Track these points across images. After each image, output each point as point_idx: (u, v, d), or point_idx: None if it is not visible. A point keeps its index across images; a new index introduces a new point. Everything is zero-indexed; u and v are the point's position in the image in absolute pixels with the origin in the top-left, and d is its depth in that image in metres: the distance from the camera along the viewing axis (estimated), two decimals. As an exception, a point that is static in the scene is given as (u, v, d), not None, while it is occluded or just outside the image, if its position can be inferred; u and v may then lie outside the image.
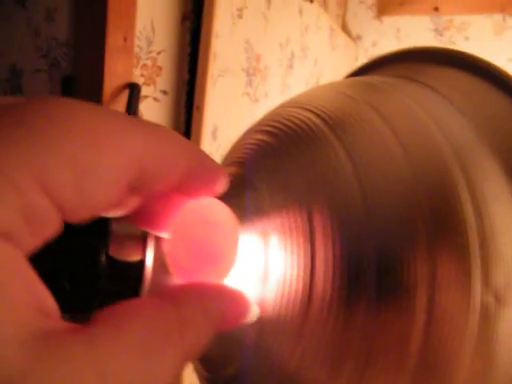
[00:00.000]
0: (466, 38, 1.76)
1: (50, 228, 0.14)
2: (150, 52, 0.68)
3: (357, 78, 0.35)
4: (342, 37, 1.59)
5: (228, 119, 0.84)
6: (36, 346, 0.13)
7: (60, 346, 0.13)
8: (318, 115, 0.26)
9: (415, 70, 0.35)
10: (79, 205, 0.14)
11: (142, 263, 0.22)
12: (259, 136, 0.28)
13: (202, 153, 0.20)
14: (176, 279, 0.22)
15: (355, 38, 1.83)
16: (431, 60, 0.36)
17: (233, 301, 0.20)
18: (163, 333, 0.15)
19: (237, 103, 0.87)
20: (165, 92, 0.74)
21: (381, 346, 0.21)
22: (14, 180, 0.13)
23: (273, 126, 0.27)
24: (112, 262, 0.22)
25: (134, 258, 0.22)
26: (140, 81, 0.68)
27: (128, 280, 0.23)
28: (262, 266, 0.23)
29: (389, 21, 1.83)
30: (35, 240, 0.14)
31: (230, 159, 0.29)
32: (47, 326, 0.13)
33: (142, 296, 0.22)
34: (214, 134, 0.81)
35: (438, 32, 1.78)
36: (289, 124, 0.27)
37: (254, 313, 0.21)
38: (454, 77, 0.33)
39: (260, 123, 0.30)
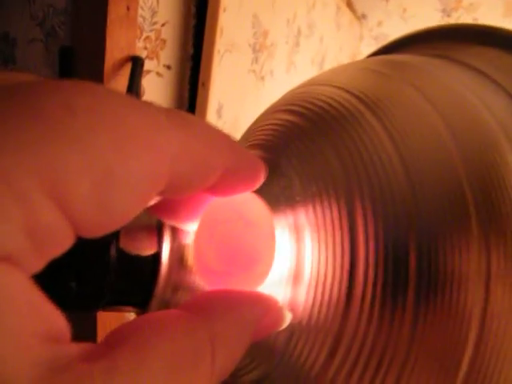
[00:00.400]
0: (475, 20, 1.72)
1: (60, 246, 0.12)
2: (154, 23, 0.65)
3: (386, 57, 0.32)
4: (347, 15, 1.54)
5: (233, 97, 0.80)
6: (50, 382, 0.10)
7: (77, 380, 0.11)
8: (351, 93, 0.23)
9: (451, 49, 0.32)
10: (97, 221, 0.12)
11: (156, 257, 0.20)
12: (285, 116, 0.25)
13: (242, 149, 0.17)
14: (203, 283, 0.19)
15: (360, 17, 1.78)
16: (465, 38, 0.33)
17: (267, 310, 0.17)
18: (194, 354, 0.13)
19: (242, 80, 0.84)
20: (168, 67, 0.70)
21: (428, 352, 0.19)
22: (20, 189, 0.10)
23: (300, 106, 0.24)
24: (123, 255, 0.19)
25: (148, 251, 0.20)
26: (143, 54, 0.64)
27: (140, 276, 0.20)
28: (294, 264, 0.20)
29: (395, 0, 1.78)
30: (41, 260, 0.11)
31: (249, 141, 0.26)
32: (59, 354, 0.11)
33: (155, 294, 0.20)
34: (219, 112, 0.78)
35: (446, 13, 1.73)
36: (319, 103, 0.24)
37: (287, 320, 0.18)
38: (493, 55, 0.30)
39: (283, 103, 0.27)
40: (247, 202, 0.19)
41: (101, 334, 0.60)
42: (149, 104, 0.14)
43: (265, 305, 0.17)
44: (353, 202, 0.19)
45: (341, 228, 0.19)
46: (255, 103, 0.87)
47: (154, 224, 0.20)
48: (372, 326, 0.18)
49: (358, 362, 0.19)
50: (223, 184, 0.16)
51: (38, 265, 0.11)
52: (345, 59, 1.49)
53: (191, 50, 0.72)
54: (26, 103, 0.11)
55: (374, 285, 0.18)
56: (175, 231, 0.20)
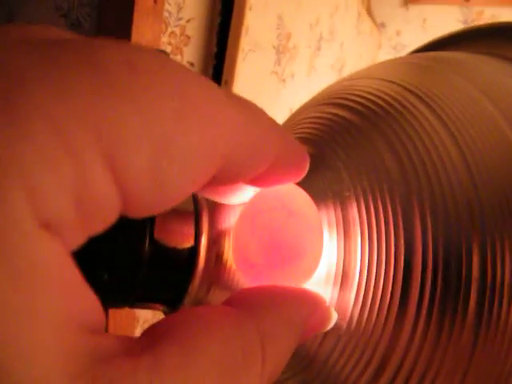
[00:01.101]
0: (495, 32, 1.69)
1: (104, 221, 0.10)
2: (180, 19, 0.64)
3: (430, 53, 0.30)
4: (367, 22, 1.53)
5: (254, 97, 0.79)
6: (91, 379, 0.09)
7: (122, 377, 0.09)
8: (401, 86, 0.22)
9: (494, 46, 0.30)
10: (149, 197, 0.10)
11: (193, 251, 0.18)
12: (330, 109, 0.23)
13: (290, 136, 0.16)
14: (242, 279, 0.18)
15: (379, 26, 1.77)
16: (509, 35, 0.31)
17: (315, 309, 0.16)
18: (244, 352, 0.12)
19: (264, 81, 0.82)
20: (192, 64, 0.69)
21: (487, 372, 0.17)
22: (73, 144, 0.09)
23: (346, 99, 0.23)
24: (157, 247, 0.18)
25: (184, 244, 0.18)
26: (167, 49, 0.63)
27: (175, 271, 0.18)
28: (341, 263, 0.18)
29: (415, 9, 1.76)
30: (83, 235, 0.10)
31: (292, 134, 0.24)
32: (100, 346, 0.10)
33: (189, 292, 0.18)
34: (240, 113, 0.76)
35: (467, 24, 1.71)
36: (367, 96, 0.22)
37: (333, 320, 0.17)
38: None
39: (327, 96, 0.25)
40: (291, 192, 0.17)
41: (111, 331, 0.58)
42: (209, 79, 0.12)
43: (312, 303, 0.16)
44: (409, 199, 0.18)
45: (395, 226, 0.18)
46: (275, 105, 0.86)
47: (190, 212, 0.19)
48: (428, 339, 0.17)
49: (409, 381, 0.17)
50: (269, 173, 0.15)
51: (79, 240, 0.10)
52: (364, 66, 1.47)
53: (215, 48, 0.71)
54: (82, 53, 0.09)
55: (432, 291, 0.17)
56: (214, 221, 0.18)
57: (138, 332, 0.70)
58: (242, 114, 0.13)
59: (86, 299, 0.10)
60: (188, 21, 0.65)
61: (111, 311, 0.56)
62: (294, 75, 0.93)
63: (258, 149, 0.13)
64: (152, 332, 0.12)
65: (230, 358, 0.12)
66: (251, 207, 0.17)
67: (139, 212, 0.11)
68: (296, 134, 0.24)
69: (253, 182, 0.16)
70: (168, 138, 0.10)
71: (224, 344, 0.12)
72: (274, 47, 0.83)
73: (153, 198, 0.10)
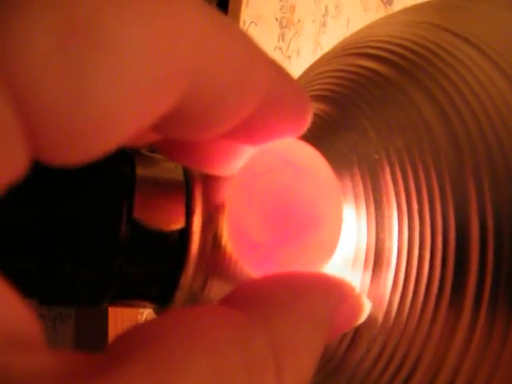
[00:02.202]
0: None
1: (7, 167, 0.07)
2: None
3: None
4: (373, -1, 1.47)
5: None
6: None
7: None
8: (443, 28, 0.18)
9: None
10: (69, 127, 0.07)
11: (184, 234, 0.14)
12: (352, 60, 0.19)
13: (288, 74, 0.12)
14: (243, 263, 0.14)
15: (385, 3, 1.70)
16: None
17: (344, 299, 0.12)
18: (249, 368, 0.08)
19: (268, 58, 0.78)
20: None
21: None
22: None
23: (373, 47, 0.19)
24: (138, 230, 0.14)
25: (173, 225, 0.14)
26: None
27: (162, 260, 0.14)
28: (370, 242, 0.14)
29: (422, -15, 1.70)
30: None
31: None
32: (27, 368, 0.07)
33: (181, 285, 0.14)
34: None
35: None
36: (400, 42, 0.18)
37: (367, 311, 0.13)
38: None
39: (347, 46, 0.21)
40: (294, 146, 0.13)
41: (112, 336, 0.55)
42: None
43: (339, 292, 0.12)
44: (460, 160, 0.14)
45: (442, 195, 0.14)
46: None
47: (180, 185, 0.15)
48: (493, 337, 0.13)
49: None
50: (261, 122, 0.11)
51: None
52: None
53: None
54: None
55: (496, 275, 0.13)
56: (209, 195, 0.14)
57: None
58: (219, 25, 0.09)
59: (6, 303, 0.07)
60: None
61: (111, 312, 0.53)
62: (300, 52, 0.88)
63: (238, 68, 0.10)
64: (119, 345, 0.08)
65: (226, 379, 0.08)
66: (245, 172, 0.13)
67: (61, 153, 0.07)
68: (310, 91, 0.19)
69: (243, 138, 0.12)
70: (89, 23, 0.06)
71: (217, 359, 0.08)
72: (277, 20, 0.78)
73: (74, 124, 0.07)
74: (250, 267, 0.13)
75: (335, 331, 0.12)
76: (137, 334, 0.08)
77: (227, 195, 0.14)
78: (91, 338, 0.56)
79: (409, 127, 0.15)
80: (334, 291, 0.12)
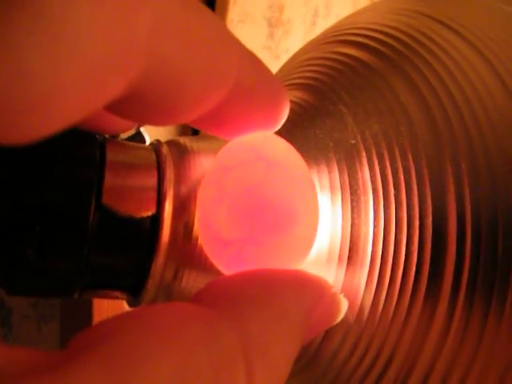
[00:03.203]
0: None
1: None
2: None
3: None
4: None
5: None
6: None
7: None
8: (424, 14, 0.17)
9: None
10: (8, 97, 0.06)
11: (154, 221, 0.14)
12: (333, 48, 0.19)
13: (262, 63, 0.11)
14: (214, 261, 0.13)
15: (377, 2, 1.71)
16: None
17: (320, 297, 0.11)
18: (216, 368, 0.08)
19: (256, 57, 0.78)
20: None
21: None
22: None
23: (354, 34, 0.18)
24: (107, 216, 0.13)
25: (143, 212, 0.14)
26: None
27: (133, 248, 0.14)
28: (345, 234, 0.14)
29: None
30: None
31: (286, 80, 0.20)
32: None
33: (152, 274, 0.14)
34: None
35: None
36: (381, 28, 0.18)
37: (344, 309, 0.13)
38: None
39: (329, 34, 0.20)
40: (266, 139, 0.13)
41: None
42: None
43: (315, 289, 0.11)
44: (437, 144, 0.13)
45: (419, 181, 0.13)
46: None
47: (151, 168, 0.14)
48: (469, 329, 0.12)
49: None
50: (233, 112, 0.11)
51: None
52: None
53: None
54: None
55: (473, 266, 0.12)
56: (182, 179, 0.14)
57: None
58: (185, 4, 0.09)
59: None
60: (171, -11, 0.61)
61: (95, 302, 0.52)
62: (290, 51, 0.88)
63: (205, 58, 0.09)
64: (78, 342, 0.08)
65: (191, 379, 0.07)
66: (216, 166, 0.13)
67: (3, 126, 0.06)
68: (292, 79, 0.19)
69: (212, 127, 0.11)
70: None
71: (182, 358, 0.08)
72: (265, 19, 0.78)
73: (11, 94, 0.06)
74: (221, 266, 0.13)
75: (311, 331, 0.11)
76: (98, 330, 0.08)
77: (199, 189, 0.14)
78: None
79: (386, 111, 0.14)
80: (308, 289, 0.11)
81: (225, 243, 0.12)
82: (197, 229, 0.14)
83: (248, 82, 0.11)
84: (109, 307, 0.54)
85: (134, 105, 0.09)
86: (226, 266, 0.13)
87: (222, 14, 0.63)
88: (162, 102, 0.09)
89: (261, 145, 0.12)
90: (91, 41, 0.07)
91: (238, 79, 0.10)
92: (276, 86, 0.12)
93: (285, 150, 0.13)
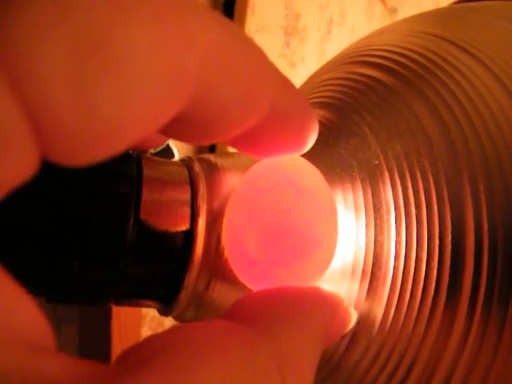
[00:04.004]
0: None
1: (16, 170, 0.07)
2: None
3: (470, 4, 0.26)
4: (379, 7, 1.48)
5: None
6: None
7: None
8: (442, 38, 0.18)
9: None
10: (77, 132, 0.07)
11: (188, 236, 0.15)
12: (354, 69, 0.19)
13: (294, 87, 0.12)
14: (239, 277, 0.14)
15: (390, 11, 1.71)
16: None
17: (336, 312, 0.12)
18: (258, 382, 0.09)
19: (273, 65, 0.79)
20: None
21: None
22: None
23: (374, 56, 0.19)
24: (144, 230, 0.14)
25: (178, 227, 0.15)
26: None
27: (167, 261, 0.15)
28: (369, 251, 0.15)
29: (428, -6, 1.70)
30: None
31: (309, 98, 0.20)
32: (36, 368, 0.07)
33: (186, 286, 0.15)
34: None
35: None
36: (400, 51, 0.18)
37: (353, 320, 0.14)
38: None
39: (349, 55, 0.21)
40: (296, 164, 0.13)
41: (116, 339, 0.55)
42: None
43: (331, 305, 0.12)
44: (456, 164, 0.14)
45: (439, 199, 0.14)
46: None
47: (184, 185, 0.15)
48: (486, 341, 0.13)
49: None
50: (265, 135, 0.12)
51: None
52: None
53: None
54: None
55: (491, 280, 0.13)
56: (214, 196, 0.15)
57: (144, 332, 0.67)
58: (227, 31, 0.09)
59: (23, 306, 0.07)
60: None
61: (115, 311, 0.53)
62: (305, 59, 0.89)
63: (246, 85, 0.10)
64: (128, 356, 0.09)
65: None
66: (247, 186, 0.14)
67: (67, 153, 0.07)
68: (313, 98, 0.20)
69: (245, 147, 0.12)
70: (102, 39, 0.07)
71: (230, 373, 0.08)
72: (281, 28, 0.79)
73: (83, 129, 0.07)
74: (246, 281, 0.14)
75: (328, 341, 0.13)
76: (150, 345, 0.09)
77: (227, 209, 0.14)
78: (95, 340, 0.56)
79: (407, 133, 0.15)
80: (326, 306, 0.13)
81: (252, 262, 0.13)
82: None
83: (282, 106, 0.11)
84: (126, 310, 0.55)
85: (180, 125, 0.10)
86: (252, 282, 0.14)
87: (241, 25, 0.65)
88: (205, 124, 0.10)
89: (292, 170, 0.13)
90: (153, 75, 0.08)
91: (273, 104, 0.11)
92: (307, 111, 0.13)
93: (313, 177, 0.14)
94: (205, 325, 0.10)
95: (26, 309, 0.07)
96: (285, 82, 0.12)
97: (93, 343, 0.57)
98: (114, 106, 0.07)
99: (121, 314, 0.55)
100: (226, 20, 0.10)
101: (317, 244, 0.13)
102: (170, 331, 0.09)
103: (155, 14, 0.08)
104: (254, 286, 0.14)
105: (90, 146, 0.08)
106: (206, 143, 0.11)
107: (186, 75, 0.08)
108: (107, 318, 0.54)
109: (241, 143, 0.12)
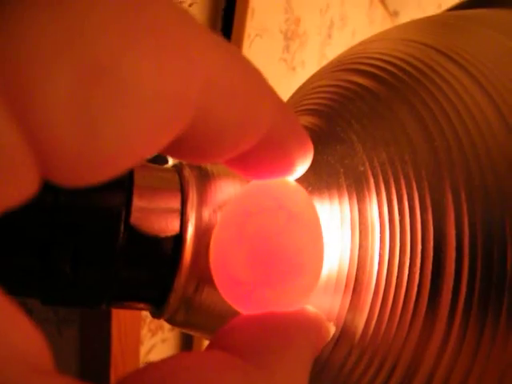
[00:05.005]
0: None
1: (17, 190, 0.07)
2: (181, 3, 0.61)
3: (463, 11, 0.26)
4: (380, 10, 1.48)
5: (262, 86, 0.75)
6: None
7: None
8: (430, 46, 0.18)
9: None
10: (79, 156, 0.07)
11: (178, 241, 0.15)
12: (343, 76, 0.20)
13: (291, 112, 0.12)
14: (225, 297, 0.14)
15: (392, 14, 1.71)
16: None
17: (319, 330, 0.13)
18: None
19: (273, 69, 0.79)
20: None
21: None
22: None
23: (363, 63, 0.20)
24: (134, 235, 0.15)
25: (168, 231, 0.15)
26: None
27: (157, 264, 0.15)
28: (348, 251, 0.15)
29: (430, -3, 1.71)
30: None
31: (299, 105, 0.21)
32: None
33: (175, 288, 0.15)
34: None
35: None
36: (388, 59, 0.19)
37: (331, 333, 0.14)
38: None
39: (340, 62, 0.22)
40: (288, 188, 0.14)
41: (116, 341, 0.55)
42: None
43: (315, 326, 0.13)
44: (438, 172, 0.15)
45: (422, 206, 0.14)
46: (285, 95, 0.81)
47: (175, 192, 0.16)
48: (465, 346, 0.13)
49: None
50: (259, 158, 0.12)
51: None
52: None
53: (219, 34, 0.67)
54: None
55: (470, 287, 0.13)
56: (204, 203, 0.15)
57: (144, 334, 0.67)
58: (228, 57, 0.10)
59: (21, 325, 0.07)
60: (190, 5, 0.62)
61: (115, 313, 0.54)
62: (305, 63, 0.89)
63: (244, 103, 0.10)
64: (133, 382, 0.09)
65: None
66: (237, 208, 0.14)
67: (71, 177, 0.08)
68: (305, 105, 0.20)
69: (238, 168, 0.12)
70: (108, 67, 0.07)
71: None
72: (281, 32, 0.79)
73: (85, 154, 0.07)
74: (231, 301, 0.14)
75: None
76: (151, 375, 0.09)
77: (216, 229, 0.15)
78: (95, 342, 0.57)
79: (392, 141, 0.16)
80: (313, 328, 0.13)
81: (238, 282, 0.13)
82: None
83: (278, 131, 0.12)
84: (126, 313, 0.56)
85: (177, 146, 0.10)
86: (237, 302, 0.14)
87: (240, 29, 0.65)
88: (202, 146, 0.10)
89: (282, 194, 0.13)
90: (155, 104, 0.08)
91: (269, 129, 0.11)
92: (303, 137, 0.13)
93: (303, 201, 0.14)
94: (203, 356, 0.10)
95: (25, 328, 0.07)
96: (282, 107, 0.12)
97: (93, 345, 0.57)
98: (116, 132, 0.08)
99: (121, 317, 0.55)
100: (226, 44, 0.10)
101: (303, 269, 0.13)
102: (171, 362, 0.09)
103: (159, 43, 0.08)
104: (239, 307, 0.14)
105: (92, 169, 0.08)
106: (201, 163, 0.11)
107: (187, 102, 0.09)
108: (107, 320, 0.54)
109: (234, 164, 0.12)
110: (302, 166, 0.13)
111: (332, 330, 0.14)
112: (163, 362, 0.09)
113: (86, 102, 0.07)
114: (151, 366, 0.09)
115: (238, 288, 0.13)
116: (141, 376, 0.09)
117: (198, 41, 0.09)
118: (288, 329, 0.12)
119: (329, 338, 0.14)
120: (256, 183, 0.14)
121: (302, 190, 0.14)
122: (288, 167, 0.13)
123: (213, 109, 0.09)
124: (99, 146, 0.07)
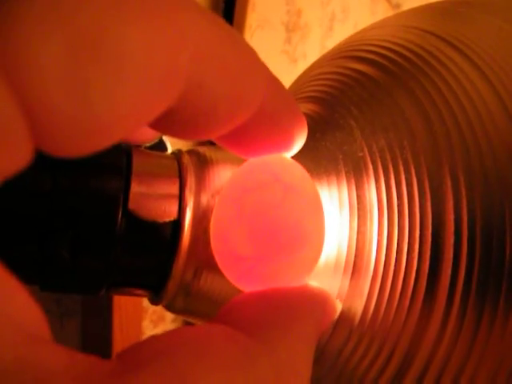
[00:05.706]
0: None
1: (10, 158, 0.07)
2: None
3: None
4: (382, 2, 1.47)
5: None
6: None
7: None
8: (430, 32, 0.18)
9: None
10: (71, 123, 0.08)
11: (175, 226, 0.15)
12: (343, 63, 0.20)
13: (284, 88, 0.12)
14: (226, 274, 0.14)
15: (394, 7, 1.70)
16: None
17: (324, 307, 0.13)
18: None
19: (274, 61, 0.79)
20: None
21: None
22: None
23: (363, 50, 0.19)
24: (133, 221, 0.15)
25: (165, 217, 0.15)
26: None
27: (155, 250, 0.15)
28: (347, 236, 0.15)
29: (432, -11, 1.69)
30: None
31: (300, 93, 0.21)
32: (35, 359, 0.07)
33: (173, 275, 0.15)
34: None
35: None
36: (388, 45, 0.19)
37: (338, 311, 0.14)
38: None
39: (341, 49, 0.22)
40: (284, 163, 0.14)
41: (117, 332, 0.55)
42: None
43: (321, 302, 0.13)
44: (437, 157, 0.14)
45: (420, 191, 0.14)
46: (287, 87, 0.81)
47: (173, 177, 0.15)
48: (463, 331, 0.13)
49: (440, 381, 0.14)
50: (253, 134, 0.12)
51: None
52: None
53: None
54: None
55: (468, 273, 0.13)
56: (202, 188, 0.15)
57: (145, 325, 0.67)
58: (219, 30, 0.10)
59: (18, 295, 0.08)
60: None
61: (115, 299, 0.54)
62: (307, 55, 0.89)
63: (236, 83, 0.10)
64: (128, 355, 0.09)
65: None
66: (235, 185, 0.14)
67: (61, 145, 0.08)
68: (305, 92, 0.20)
69: (233, 146, 0.12)
70: (94, 36, 0.07)
71: (226, 379, 0.09)
72: (283, 24, 0.79)
73: (76, 120, 0.07)
74: (233, 279, 0.14)
75: (319, 336, 0.13)
76: (151, 346, 0.09)
77: (215, 205, 0.15)
78: (96, 333, 0.57)
79: (391, 127, 0.15)
80: (318, 304, 0.13)
81: (239, 258, 0.13)
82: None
83: (271, 106, 0.12)
84: (128, 304, 0.56)
85: (169, 120, 0.10)
86: (238, 279, 0.14)
87: (241, 21, 0.65)
88: (194, 120, 0.10)
89: (279, 168, 0.13)
90: (145, 74, 0.08)
91: (262, 102, 0.11)
92: (296, 112, 0.13)
93: (300, 175, 0.14)
94: (205, 330, 0.10)
95: (22, 298, 0.08)
96: (274, 82, 0.12)
97: (94, 336, 0.58)
98: (106, 102, 0.08)
99: (122, 308, 0.55)
100: (217, 18, 0.10)
101: (305, 241, 0.13)
102: (172, 334, 0.09)
103: (147, 14, 0.08)
104: (241, 284, 0.14)
105: (83, 138, 0.08)
106: (194, 139, 0.11)
107: (177, 73, 0.09)
108: (109, 311, 0.55)
109: (229, 141, 0.12)
110: (298, 142, 0.13)
111: (339, 306, 0.14)
112: (164, 334, 0.09)
113: (77, 70, 0.07)
114: (152, 339, 0.09)
115: (239, 264, 0.13)
116: (141, 348, 0.09)
117: (187, 12, 0.09)
118: (291, 304, 0.12)
119: (335, 315, 0.14)
120: (252, 160, 0.14)
121: (297, 164, 0.14)
122: (283, 142, 0.13)
123: (204, 80, 0.09)
124: (90, 113, 0.07)
